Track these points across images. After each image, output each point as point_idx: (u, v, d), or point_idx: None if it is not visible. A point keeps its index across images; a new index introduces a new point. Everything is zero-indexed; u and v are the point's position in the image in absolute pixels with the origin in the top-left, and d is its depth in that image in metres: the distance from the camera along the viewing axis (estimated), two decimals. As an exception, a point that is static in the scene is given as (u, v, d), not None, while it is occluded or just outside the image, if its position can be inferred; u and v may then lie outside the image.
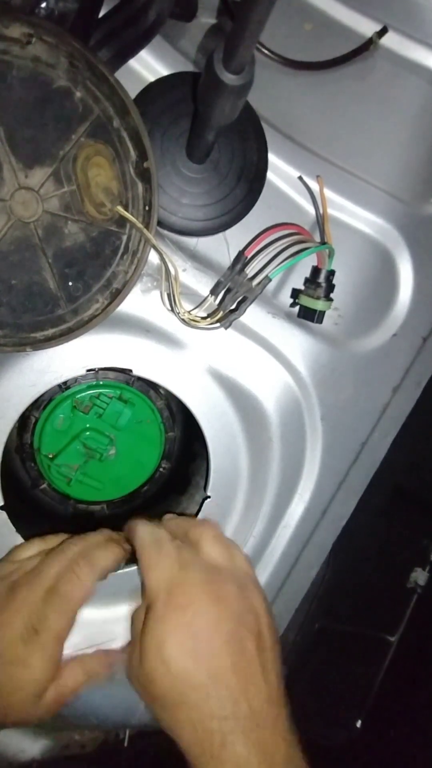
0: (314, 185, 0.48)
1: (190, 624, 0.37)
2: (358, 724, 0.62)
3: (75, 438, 0.51)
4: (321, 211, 0.48)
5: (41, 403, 0.51)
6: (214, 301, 0.47)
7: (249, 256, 0.45)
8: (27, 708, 0.39)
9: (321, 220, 0.48)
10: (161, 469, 0.55)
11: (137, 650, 0.38)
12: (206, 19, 0.50)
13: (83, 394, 0.51)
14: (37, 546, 0.45)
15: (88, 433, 0.51)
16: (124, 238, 0.42)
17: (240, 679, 0.37)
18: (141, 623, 0.38)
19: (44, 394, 0.48)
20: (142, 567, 0.40)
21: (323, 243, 0.46)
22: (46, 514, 0.55)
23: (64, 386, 0.49)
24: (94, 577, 0.40)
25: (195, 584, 0.39)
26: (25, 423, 0.51)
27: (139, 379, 0.51)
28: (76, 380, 0.50)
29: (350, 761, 0.61)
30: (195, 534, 0.42)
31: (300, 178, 0.48)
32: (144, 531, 0.42)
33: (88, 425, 0.51)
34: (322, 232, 0.48)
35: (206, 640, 0.37)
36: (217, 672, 0.36)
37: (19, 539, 0.47)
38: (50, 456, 0.51)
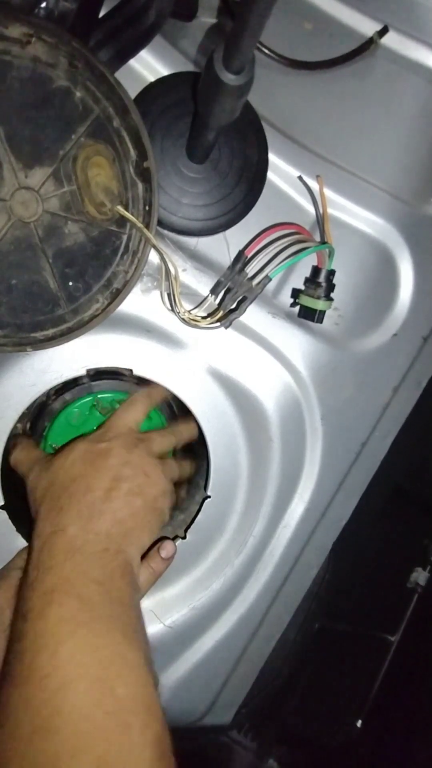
0: (314, 185, 0.48)
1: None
2: (359, 724, 0.62)
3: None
4: (321, 211, 0.48)
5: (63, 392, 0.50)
6: (214, 300, 0.47)
7: (249, 256, 0.45)
8: None
9: (321, 220, 0.48)
10: None
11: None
12: (206, 19, 0.50)
13: (107, 395, 0.51)
14: None
15: None
16: (124, 238, 0.42)
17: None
18: None
19: (70, 384, 0.48)
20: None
21: (323, 243, 0.46)
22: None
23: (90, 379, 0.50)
24: None
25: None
26: (41, 409, 0.51)
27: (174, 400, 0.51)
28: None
29: (350, 761, 0.61)
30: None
31: (300, 177, 0.48)
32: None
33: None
34: (322, 232, 0.48)
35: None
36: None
37: (19, 539, 0.47)
38: (54, 447, 0.51)
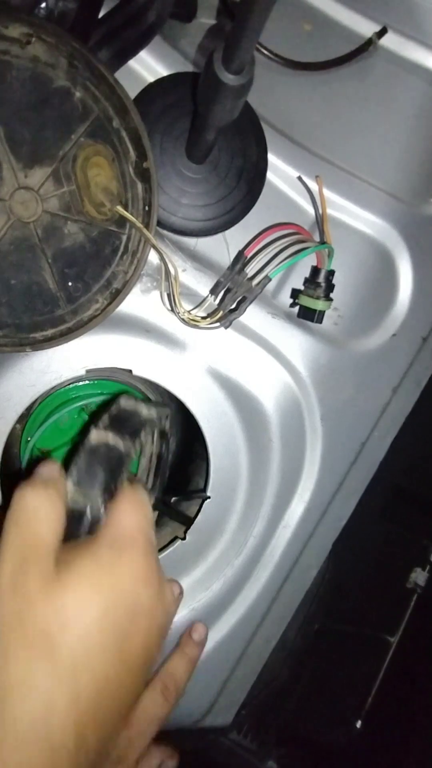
0: (313, 185, 0.48)
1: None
2: (358, 724, 0.62)
3: (73, 439, 0.51)
4: (320, 211, 0.48)
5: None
6: (214, 300, 0.47)
7: (249, 256, 0.45)
8: None
9: (320, 220, 0.48)
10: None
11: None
12: (206, 19, 0.50)
13: (92, 400, 0.51)
14: None
15: None
16: (124, 238, 0.42)
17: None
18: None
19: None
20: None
21: (323, 243, 0.46)
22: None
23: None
24: None
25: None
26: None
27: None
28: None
29: (350, 761, 0.61)
30: None
31: (299, 178, 0.48)
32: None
33: None
34: (322, 232, 0.48)
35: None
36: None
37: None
38: (43, 451, 0.51)
